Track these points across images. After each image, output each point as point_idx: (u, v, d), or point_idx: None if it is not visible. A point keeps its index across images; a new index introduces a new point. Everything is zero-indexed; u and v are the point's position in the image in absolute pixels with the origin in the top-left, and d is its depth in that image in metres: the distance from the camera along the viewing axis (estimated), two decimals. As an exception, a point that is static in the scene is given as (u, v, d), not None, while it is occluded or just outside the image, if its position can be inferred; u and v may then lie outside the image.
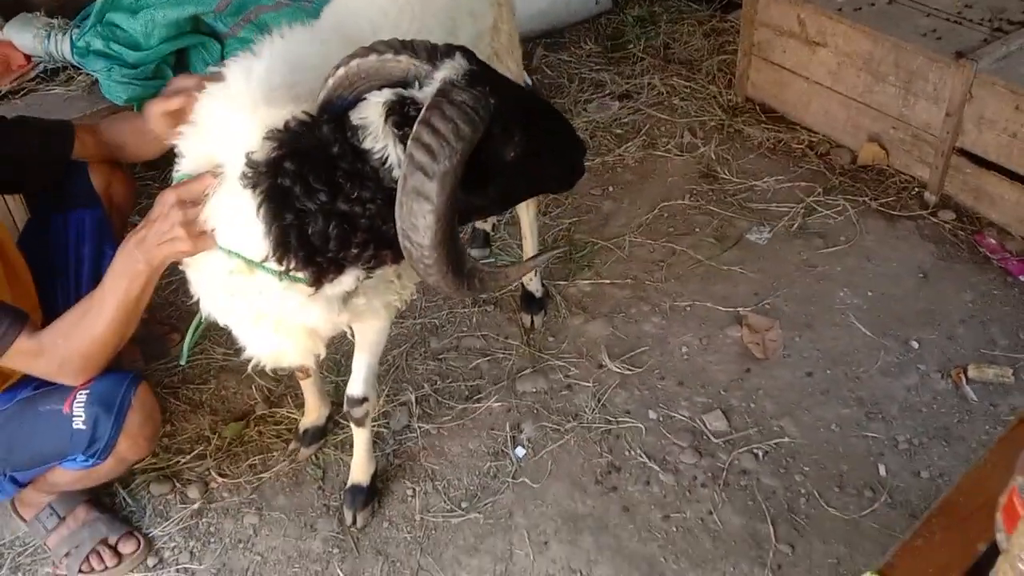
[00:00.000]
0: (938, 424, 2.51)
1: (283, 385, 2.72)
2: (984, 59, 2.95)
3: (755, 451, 2.47)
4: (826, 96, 3.49)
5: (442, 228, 1.39)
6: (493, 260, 3.12)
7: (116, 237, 2.39)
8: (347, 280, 1.60)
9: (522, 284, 2.92)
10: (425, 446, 2.55)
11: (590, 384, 2.67)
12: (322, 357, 1.89)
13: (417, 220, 1.37)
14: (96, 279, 2.39)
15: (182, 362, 1.97)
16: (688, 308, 2.90)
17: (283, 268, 1.53)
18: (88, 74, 2.96)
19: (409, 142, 1.36)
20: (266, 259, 1.53)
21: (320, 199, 1.44)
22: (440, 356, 2.83)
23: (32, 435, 2.01)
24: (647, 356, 2.75)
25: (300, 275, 1.55)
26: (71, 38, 2.88)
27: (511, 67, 2.40)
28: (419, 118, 1.36)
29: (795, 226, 3.19)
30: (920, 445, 2.46)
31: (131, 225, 2.12)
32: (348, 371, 2.19)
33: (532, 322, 2.88)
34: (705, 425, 2.53)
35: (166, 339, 2.84)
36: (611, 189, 3.44)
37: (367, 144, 1.44)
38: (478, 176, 1.46)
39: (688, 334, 2.81)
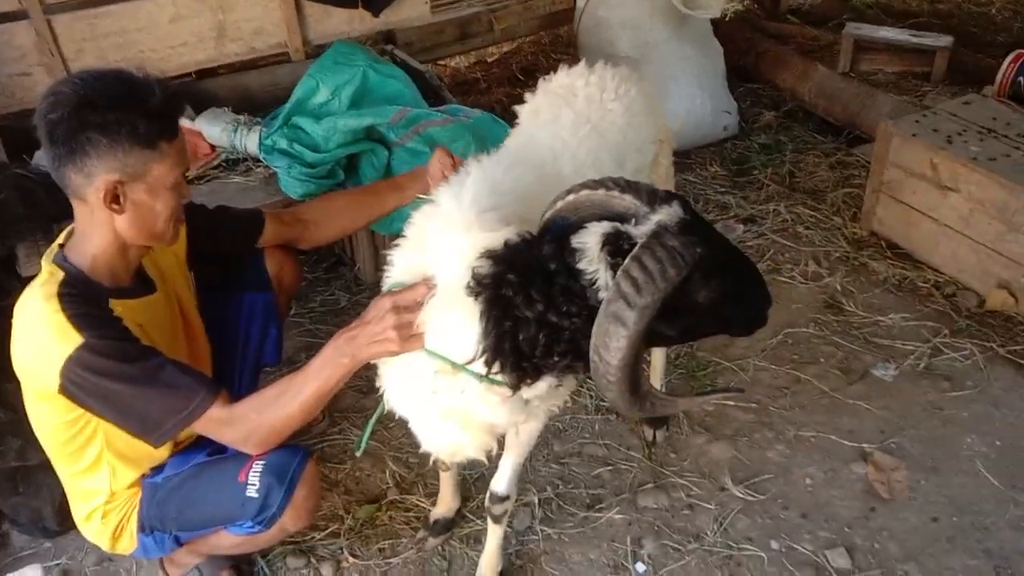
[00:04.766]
0: (1073, 587, 2.46)
1: (414, 473, 2.85)
2: None
3: (879, 594, 2.46)
4: (956, 240, 3.54)
5: (631, 353, 1.53)
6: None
7: (280, 318, 2.63)
8: (541, 386, 1.74)
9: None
10: (547, 550, 2.62)
11: (712, 506, 2.71)
12: (494, 453, 2.01)
13: (610, 341, 1.53)
14: (258, 356, 2.62)
15: (358, 452, 2.13)
16: (813, 439, 2.93)
17: (487, 371, 1.68)
18: (265, 167, 3.25)
19: (619, 272, 1.52)
20: (471, 362, 1.69)
21: (538, 309, 1.61)
22: (563, 460, 2.92)
23: (206, 499, 2.17)
24: (771, 484, 2.78)
25: (501, 378, 1.70)
26: (259, 135, 3.19)
27: (664, 196, 2.56)
28: (632, 253, 1.52)
29: (921, 366, 3.20)
30: (1053, 607, 2.41)
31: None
32: (474, 465, 2.29)
33: (654, 436, 2.95)
34: (828, 561, 2.53)
35: (309, 417, 3.02)
36: (734, 311, 3.52)
37: (582, 265, 1.61)
38: (669, 310, 1.59)
39: (812, 465, 2.84)
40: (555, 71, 2.45)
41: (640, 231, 1.59)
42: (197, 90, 3.64)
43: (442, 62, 5.22)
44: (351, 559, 2.60)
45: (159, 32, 3.25)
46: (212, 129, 3.36)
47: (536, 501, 2.76)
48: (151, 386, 1.94)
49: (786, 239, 3.92)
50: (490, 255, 1.66)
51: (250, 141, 3.25)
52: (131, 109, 1.84)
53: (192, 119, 3.42)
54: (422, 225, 1.85)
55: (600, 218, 1.68)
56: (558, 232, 1.69)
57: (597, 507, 2.74)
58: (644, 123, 2.41)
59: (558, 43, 5.69)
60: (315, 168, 3.04)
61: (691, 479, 2.81)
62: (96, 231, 1.96)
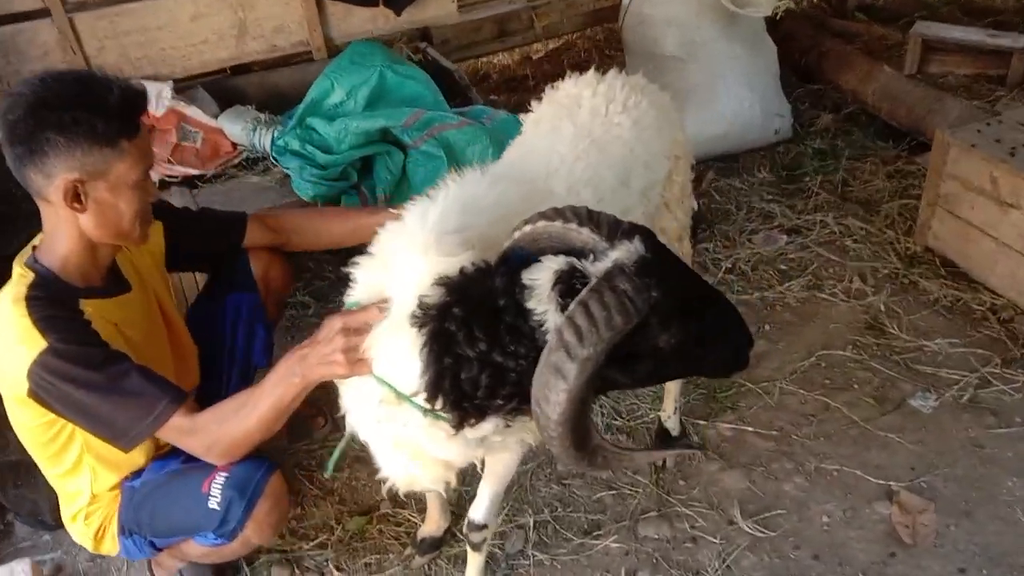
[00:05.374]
0: (1115, 658, 2.20)
1: (410, 486, 2.77)
2: None
3: (891, 650, 2.25)
4: (1015, 260, 3.24)
5: (572, 407, 1.40)
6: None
7: (270, 319, 2.60)
8: (487, 427, 1.63)
9: (659, 419, 2.86)
10: (537, 576, 2.52)
11: (717, 541, 2.54)
12: (453, 486, 1.92)
13: (550, 394, 1.39)
14: (246, 357, 2.59)
15: (326, 474, 2.07)
16: (835, 473, 2.72)
17: (430, 406, 1.59)
18: (282, 168, 3.22)
19: (563, 319, 1.38)
20: (415, 394, 1.59)
21: (480, 348, 1.49)
22: (564, 481, 2.79)
23: (172, 507, 2.15)
24: (783, 520, 2.59)
25: (444, 415, 1.59)
26: (273, 135, 3.16)
27: (679, 216, 2.40)
28: (578, 298, 1.38)
29: (965, 397, 2.94)
30: None
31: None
32: (474, 479, 2.20)
33: (664, 461, 2.80)
34: (837, 609, 2.35)
35: (312, 422, 2.99)
36: (767, 328, 3.33)
37: (530, 304, 1.48)
38: (627, 354, 1.45)
39: (831, 502, 2.63)
40: (593, 69, 2.33)
41: (597, 268, 1.45)
42: (228, 86, 3.65)
43: (487, 58, 5.11)
44: (336, 573, 2.54)
45: (180, 30, 3.26)
46: (233, 127, 3.35)
47: (531, 524, 2.64)
48: (115, 393, 1.93)
49: (832, 252, 3.68)
50: (444, 283, 1.55)
51: (267, 141, 3.23)
52: (88, 108, 1.83)
53: (215, 116, 3.42)
54: (386, 243, 1.76)
55: (559, 251, 1.55)
56: (515, 264, 1.55)
57: (595, 534, 2.61)
58: (655, 137, 2.25)
59: (612, 38, 5.51)
60: (327, 170, 2.99)
61: (698, 509, 2.64)
62: (62, 231, 1.96)
